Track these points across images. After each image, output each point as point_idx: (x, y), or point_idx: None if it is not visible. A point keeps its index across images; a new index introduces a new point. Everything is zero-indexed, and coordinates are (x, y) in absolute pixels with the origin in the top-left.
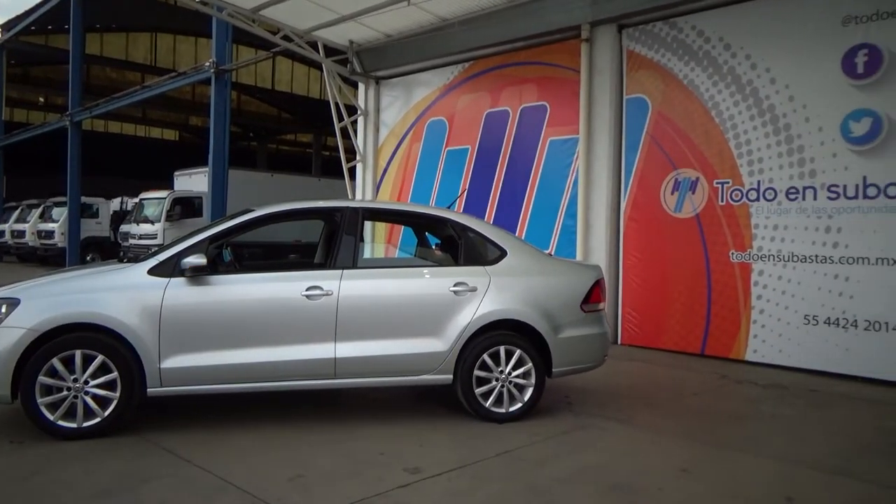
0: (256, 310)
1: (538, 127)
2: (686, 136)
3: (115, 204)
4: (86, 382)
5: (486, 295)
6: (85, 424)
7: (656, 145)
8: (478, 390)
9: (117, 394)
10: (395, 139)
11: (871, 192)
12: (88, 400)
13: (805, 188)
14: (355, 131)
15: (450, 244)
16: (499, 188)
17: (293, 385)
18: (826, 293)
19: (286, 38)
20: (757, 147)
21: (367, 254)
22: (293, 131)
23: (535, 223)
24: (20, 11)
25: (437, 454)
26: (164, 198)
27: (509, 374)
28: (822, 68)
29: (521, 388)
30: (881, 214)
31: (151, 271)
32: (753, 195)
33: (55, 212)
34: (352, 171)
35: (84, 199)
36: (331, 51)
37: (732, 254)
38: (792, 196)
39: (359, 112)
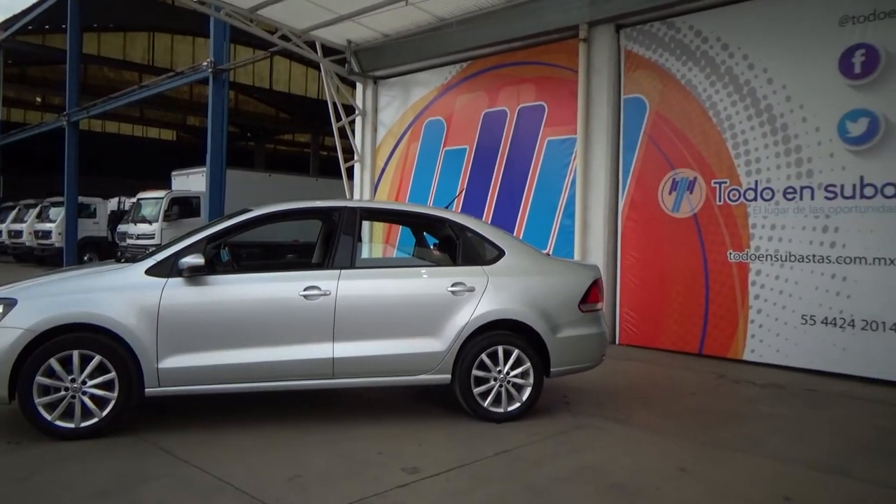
0: (254, 310)
1: (536, 127)
2: (684, 136)
3: (112, 204)
4: (83, 383)
5: (485, 295)
6: (83, 425)
7: (654, 145)
8: (476, 390)
9: (115, 394)
10: (392, 139)
11: (869, 191)
12: (86, 400)
13: (802, 188)
14: (353, 131)
15: (448, 244)
16: (497, 188)
17: (291, 385)
18: (823, 293)
19: (284, 37)
20: (754, 147)
21: (365, 254)
22: (291, 131)
23: (532, 223)
24: (17, 11)
25: (436, 454)
26: (162, 198)
27: (507, 373)
28: (819, 68)
29: (519, 388)
30: (878, 214)
31: (149, 271)
32: (751, 195)
33: (52, 212)
34: (350, 171)
35: (81, 198)
36: (329, 50)
37: (730, 254)
38: (789, 196)
39: (357, 112)
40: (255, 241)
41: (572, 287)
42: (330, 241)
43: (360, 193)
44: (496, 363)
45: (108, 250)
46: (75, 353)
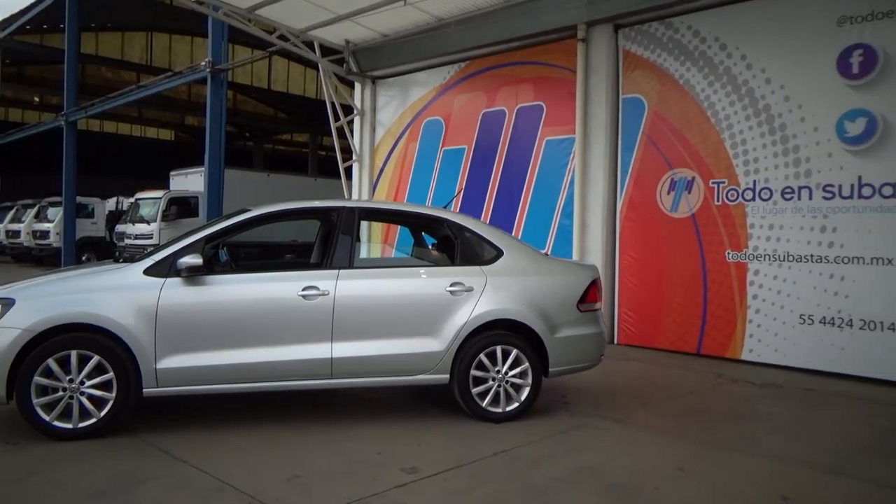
0: (253, 310)
1: (534, 127)
2: (682, 135)
3: (110, 204)
4: (81, 383)
5: (483, 295)
6: (81, 425)
7: (652, 145)
8: (474, 390)
9: (113, 394)
10: (391, 139)
11: (867, 191)
12: (84, 400)
13: (800, 188)
14: (352, 131)
15: (446, 244)
16: (495, 188)
17: (290, 385)
18: (821, 293)
19: (282, 37)
20: (752, 147)
21: (363, 254)
22: (289, 131)
23: (531, 223)
24: (15, 10)
25: (434, 454)
26: (160, 198)
27: (506, 373)
28: (817, 68)
29: (517, 388)
30: (876, 214)
31: (147, 271)
32: (749, 195)
33: (50, 212)
34: (348, 171)
35: (79, 198)
36: (327, 50)
37: (728, 253)
38: (787, 196)
39: (355, 112)
40: (254, 241)
41: (571, 287)
42: (328, 241)
43: (358, 193)
44: (494, 363)
45: (106, 250)
46: (73, 354)
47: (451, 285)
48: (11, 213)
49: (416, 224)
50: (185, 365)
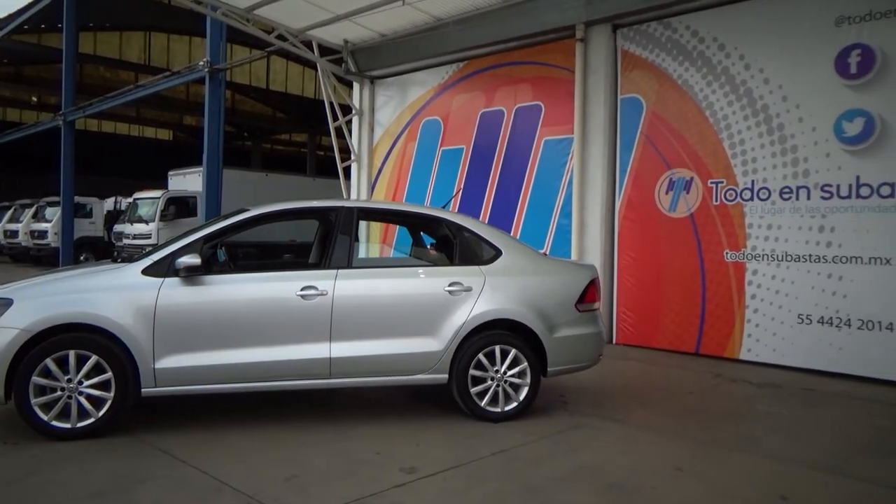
0: (251, 310)
1: (533, 127)
2: (680, 135)
3: (108, 204)
4: (80, 383)
5: (482, 294)
6: (79, 425)
7: (651, 145)
8: (473, 390)
9: (111, 394)
10: (389, 139)
11: (865, 191)
12: (82, 400)
13: (799, 188)
14: (350, 131)
15: (445, 244)
16: (494, 188)
17: (288, 385)
18: (820, 292)
19: (281, 37)
20: (751, 147)
21: (362, 254)
22: (288, 131)
23: (530, 223)
24: (13, 10)
25: (433, 454)
26: (159, 197)
27: (504, 373)
28: (815, 68)
29: (516, 388)
30: (874, 214)
31: (146, 271)
32: (747, 195)
33: (48, 211)
34: (347, 171)
35: (78, 198)
36: (325, 50)
37: (727, 253)
38: (786, 196)
39: (353, 112)
40: (252, 241)
41: (569, 287)
42: (327, 241)
43: (357, 193)
44: (493, 363)
45: (104, 250)
46: (71, 353)
47: (450, 285)
48: (9, 212)
49: (414, 224)
50: (183, 365)
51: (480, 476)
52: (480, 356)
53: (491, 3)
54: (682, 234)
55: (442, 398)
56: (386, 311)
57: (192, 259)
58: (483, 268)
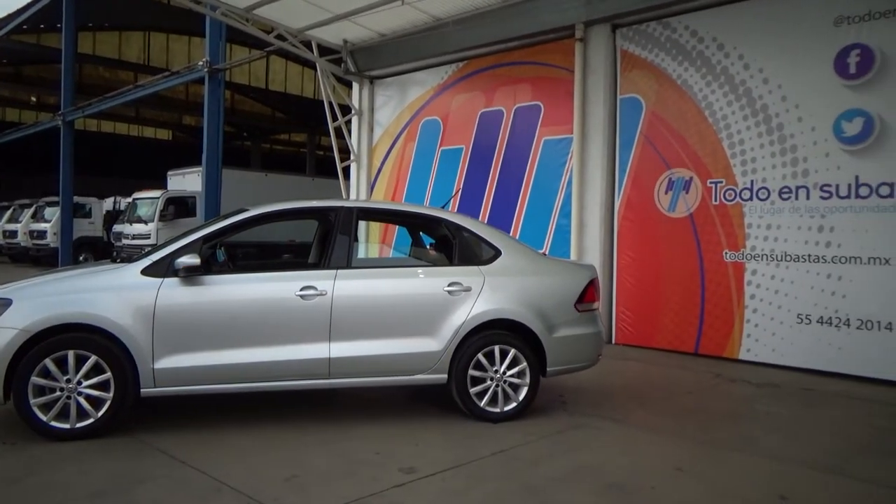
0: (250, 310)
1: (532, 127)
2: (680, 135)
3: (108, 204)
4: (79, 383)
5: (481, 294)
6: (78, 425)
7: (650, 145)
8: (472, 390)
9: (111, 394)
10: (389, 139)
11: (864, 191)
12: (81, 401)
13: (798, 188)
14: (349, 131)
15: (444, 244)
16: (493, 188)
17: (288, 385)
18: (819, 292)
19: (280, 37)
20: (750, 147)
21: (361, 254)
22: (287, 131)
23: (529, 223)
24: (12, 10)
25: (432, 454)
26: (158, 197)
27: (504, 373)
28: (814, 68)
29: (515, 388)
30: (873, 214)
31: (145, 271)
32: (747, 195)
33: (47, 212)
34: (346, 171)
35: (77, 198)
36: (325, 50)
37: (726, 253)
38: (785, 195)
39: (353, 112)
40: (252, 241)
41: (568, 287)
42: (326, 241)
43: (356, 193)
44: (493, 363)
45: (103, 250)
46: (71, 354)
47: (449, 285)
48: (8, 212)
49: (414, 224)
50: (182, 365)
51: (480, 476)
52: (480, 356)
53: (490, 2)
54: (681, 234)
55: (441, 398)
56: (385, 311)
57: (192, 259)
58: (482, 268)
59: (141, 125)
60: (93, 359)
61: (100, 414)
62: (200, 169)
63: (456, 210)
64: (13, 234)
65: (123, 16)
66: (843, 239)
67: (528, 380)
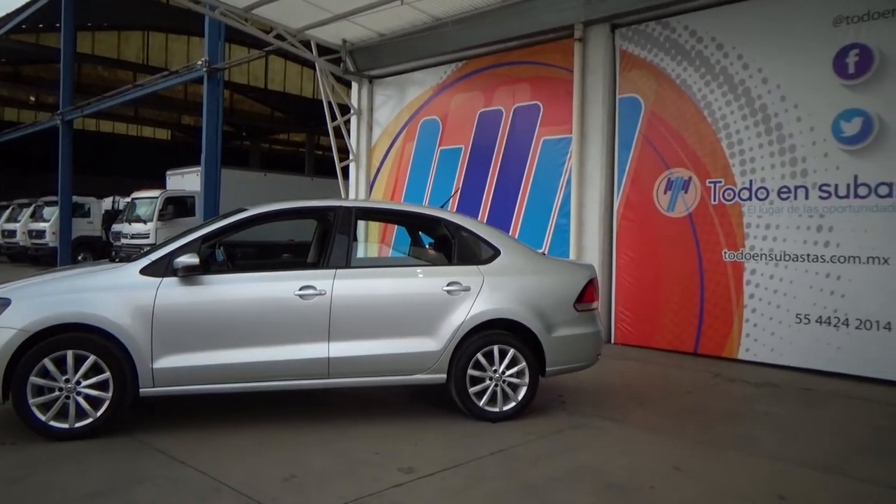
0: (249, 309)
1: (531, 126)
2: (679, 135)
3: (106, 203)
4: (78, 383)
5: (480, 294)
6: (77, 425)
7: (649, 145)
8: (471, 389)
9: (109, 394)
10: (388, 138)
11: (863, 191)
12: (80, 400)
13: (797, 187)
14: (348, 131)
15: (443, 244)
16: (492, 187)
17: (286, 385)
18: (818, 292)
19: (279, 37)
20: (749, 147)
21: (360, 253)
22: (286, 130)
23: (528, 222)
24: (11, 9)
25: (431, 453)
26: (157, 197)
27: (503, 373)
28: (813, 68)
29: (514, 388)
30: (872, 213)
31: (144, 271)
32: (745, 194)
33: (46, 211)
34: (345, 171)
35: (76, 198)
36: (324, 50)
37: (725, 253)
38: (784, 195)
39: (352, 111)
40: (251, 241)
41: (568, 286)
42: (325, 241)
43: (355, 193)
44: (492, 363)
45: (102, 250)
46: (69, 354)
47: (448, 285)
48: (7, 212)
49: (413, 224)
50: (181, 365)
51: (479, 476)
52: (479, 356)
53: (489, 2)
54: (680, 234)
55: (440, 398)
56: (384, 310)
57: (191, 259)
58: (481, 267)
59: (140, 125)
60: (92, 358)
61: (99, 414)
62: (199, 168)
63: (455, 210)
64: (12, 233)
65: (122, 15)
66: (841, 238)
67: (527, 379)
